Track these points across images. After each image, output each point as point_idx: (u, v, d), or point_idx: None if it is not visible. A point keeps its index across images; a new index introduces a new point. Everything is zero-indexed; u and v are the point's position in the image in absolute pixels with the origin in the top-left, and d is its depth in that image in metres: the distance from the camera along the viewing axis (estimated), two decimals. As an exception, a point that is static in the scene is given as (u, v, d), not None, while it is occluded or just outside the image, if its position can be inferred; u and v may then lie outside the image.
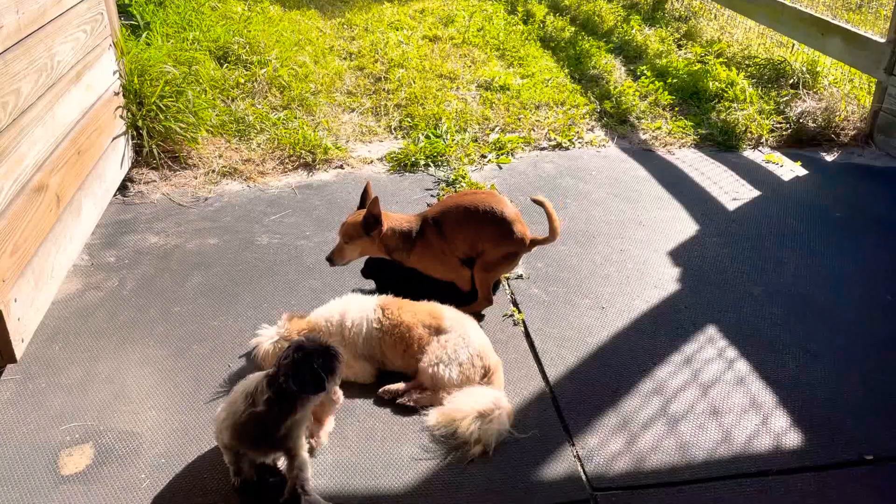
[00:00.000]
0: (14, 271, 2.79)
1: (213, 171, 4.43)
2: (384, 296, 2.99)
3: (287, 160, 4.58)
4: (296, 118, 5.02)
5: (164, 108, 4.37)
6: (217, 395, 2.74)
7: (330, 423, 2.57)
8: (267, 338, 2.84)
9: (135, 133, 4.32)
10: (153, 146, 4.35)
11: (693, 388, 2.85)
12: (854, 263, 3.68)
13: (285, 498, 2.29)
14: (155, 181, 4.33)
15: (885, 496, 2.39)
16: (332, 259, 3.19)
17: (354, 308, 2.89)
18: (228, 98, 5.12)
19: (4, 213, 2.73)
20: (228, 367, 2.89)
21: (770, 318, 3.24)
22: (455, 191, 4.27)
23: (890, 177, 4.64)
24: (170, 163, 4.44)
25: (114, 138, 4.01)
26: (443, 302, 3.01)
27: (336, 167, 4.60)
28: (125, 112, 4.21)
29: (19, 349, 2.82)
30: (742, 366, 2.96)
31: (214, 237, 3.80)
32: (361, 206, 3.25)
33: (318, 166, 4.57)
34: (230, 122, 4.85)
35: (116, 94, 4.07)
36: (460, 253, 3.24)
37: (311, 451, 2.45)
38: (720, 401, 2.79)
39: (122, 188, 4.20)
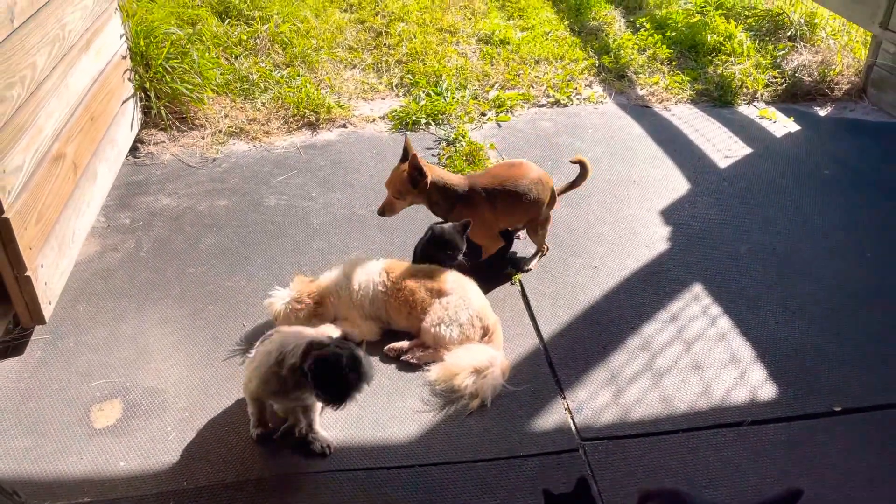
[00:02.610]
0: (39, 239, 2.96)
1: (220, 132, 4.54)
2: (390, 259, 3.17)
3: (291, 119, 4.69)
4: (299, 76, 5.09)
5: (170, 70, 4.46)
6: (233, 353, 2.94)
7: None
8: (279, 299, 3.02)
9: (142, 95, 4.42)
10: (161, 107, 4.46)
11: (677, 343, 3.05)
12: (838, 221, 3.83)
13: (288, 428, 2.55)
14: (164, 142, 4.45)
15: (848, 445, 2.61)
16: (383, 212, 3.32)
17: (361, 272, 3.07)
18: (232, 56, 5.18)
19: (28, 185, 2.88)
20: (243, 326, 3.08)
21: (754, 276, 3.42)
22: (455, 150, 4.38)
23: (880, 132, 4.75)
24: (177, 123, 4.56)
25: (123, 101, 4.12)
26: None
27: (339, 126, 4.71)
28: (133, 75, 4.30)
29: (47, 311, 3.01)
30: (724, 322, 3.16)
31: (224, 198, 3.95)
32: (403, 159, 3.28)
33: (321, 125, 4.68)
34: (235, 80, 4.94)
35: (124, 57, 4.16)
36: (506, 225, 3.41)
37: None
38: (702, 356, 2.99)
39: (133, 149, 4.33)
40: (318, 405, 2.54)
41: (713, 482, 2.46)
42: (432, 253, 3.15)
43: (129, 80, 4.25)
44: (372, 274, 3.06)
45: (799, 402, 2.77)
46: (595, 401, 2.79)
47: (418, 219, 3.81)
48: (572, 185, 3.58)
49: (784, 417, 2.71)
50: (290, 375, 2.33)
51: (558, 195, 3.52)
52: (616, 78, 5.37)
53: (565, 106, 5.05)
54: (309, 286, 3.03)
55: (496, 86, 5.18)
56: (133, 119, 4.28)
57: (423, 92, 5.00)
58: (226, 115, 4.67)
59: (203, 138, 4.51)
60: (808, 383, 2.85)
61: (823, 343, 3.05)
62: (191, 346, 3.00)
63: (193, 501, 2.37)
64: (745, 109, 5.03)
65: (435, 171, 3.26)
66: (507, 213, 3.32)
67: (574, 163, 3.55)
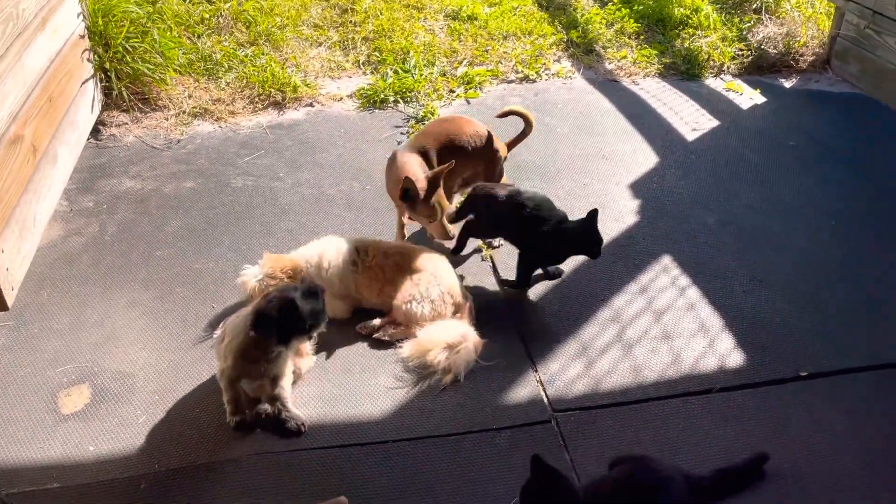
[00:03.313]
0: (-1, 223, 2.89)
1: (184, 112, 4.46)
2: (360, 237, 3.14)
3: (257, 99, 4.62)
4: (263, 54, 5.01)
5: (130, 50, 4.36)
6: (204, 336, 2.91)
7: (310, 360, 2.77)
8: (252, 276, 2.99)
9: (103, 76, 4.31)
10: (122, 88, 4.36)
11: (647, 314, 3.08)
12: (803, 191, 3.89)
13: (263, 409, 2.53)
14: (127, 124, 4.36)
15: (814, 408, 2.67)
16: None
17: (333, 249, 3.04)
18: (194, 35, 5.08)
19: (-16, 168, 2.81)
20: (213, 308, 3.05)
21: (721, 247, 3.46)
22: (424, 127, 4.35)
23: (843, 103, 4.81)
24: (140, 105, 4.46)
25: (83, 82, 4.02)
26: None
27: (306, 105, 4.65)
28: (92, 55, 4.19)
29: (10, 297, 2.95)
30: (693, 293, 3.19)
31: (190, 180, 3.89)
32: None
33: (288, 105, 4.61)
34: (198, 60, 4.84)
35: (82, 36, 4.05)
36: (452, 183, 3.38)
37: (294, 382, 2.66)
38: (671, 326, 3.03)
39: (95, 131, 4.24)
40: (289, 381, 2.53)
41: (683, 449, 2.51)
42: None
43: (89, 60, 4.15)
44: (343, 251, 3.04)
45: (766, 368, 2.82)
46: (566, 373, 2.81)
47: (387, 197, 3.79)
48: (520, 137, 3.62)
49: (751, 384, 2.76)
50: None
51: (508, 149, 3.56)
52: (584, 53, 5.37)
53: (534, 82, 5.04)
54: (282, 261, 2.99)
55: (464, 62, 5.15)
56: (93, 100, 4.18)
57: (391, 69, 4.95)
58: (189, 96, 4.58)
59: (167, 119, 4.42)
60: (775, 350, 2.90)
61: (789, 311, 3.10)
62: (159, 329, 2.96)
63: (166, 483, 2.35)
64: (712, 82, 5.06)
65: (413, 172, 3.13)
66: (454, 169, 3.22)
67: (501, 116, 3.65)
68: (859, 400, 2.70)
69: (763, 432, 2.57)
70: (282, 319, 2.34)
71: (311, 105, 4.65)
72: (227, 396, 2.52)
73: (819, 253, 3.45)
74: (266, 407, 2.54)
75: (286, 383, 2.56)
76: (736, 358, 2.88)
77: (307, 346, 2.74)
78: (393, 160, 3.23)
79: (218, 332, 2.60)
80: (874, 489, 2.38)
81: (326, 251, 3.04)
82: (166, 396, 2.66)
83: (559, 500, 2.06)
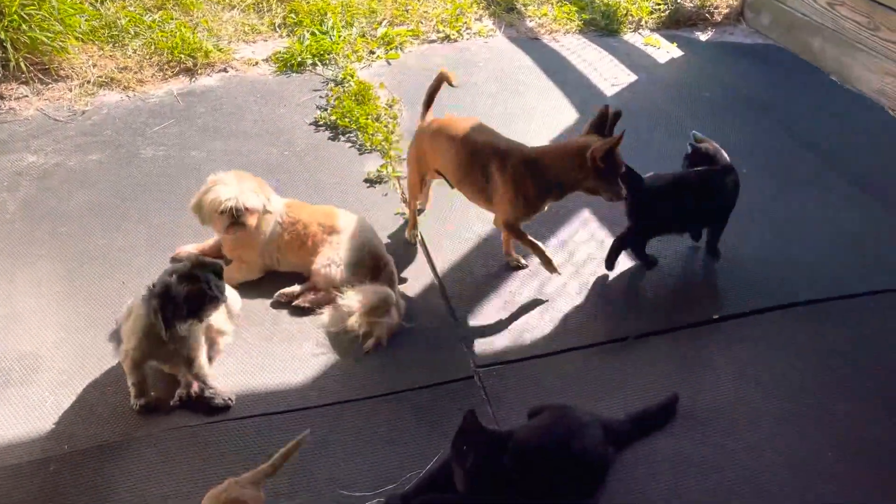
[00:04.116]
0: None
1: (89, 82, 4.25)
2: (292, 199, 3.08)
3: (167, 66, 4.43)
4: (172, 19, 4.79)
5: (27, 18, 4.11)
6: (114, 313, 2.80)
7: (229, 336, 2.70)
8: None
9: (-3, 46, 4.07)
10: (20, 59, 4.12)
11: (568, 268, 3.11)
12: (717, 140, 3.93)
13: (182, 393, 2.45)
14: (27, 96, 4.13)
15: (723, 347, 2.77)
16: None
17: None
18: (97, 1, 4.82)
19: None
20: (122, 283, 2.94)
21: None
22: (343, 90, 4.25)
23: (756, 54, 4.91)
24: (40, 76, 4.23)
25: (-27, 53, 3.78)
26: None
27: (220, 71, 4.49)
28: (-18, 23, 3.94)
29: None
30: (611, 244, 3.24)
31: (96, 152, 3.71)
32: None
33: (200, 71, 4.44)
34: (101, 27, 4.60)
35: (-31, 4, 3.80)
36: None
37: (211, 360, 2.59)
38: (591, 278, 3.07)
39: (-9, 106, 4.01)
40: (204, 357, 2.46)
41: (601, 395, 2.56)
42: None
43: (-21, 29, 3.90)
44: (277, 210, 2.97)
45: (680, 313, 2.90)
46: (489, 329, 2.83)
47: (307, 161, 3.72)
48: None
49: (667, 329, 2.83)
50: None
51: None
52: (505, 11, 5.32)
53: (455, 41, 4.97)
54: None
55: (384, 22, 5.04)
56: (-13, 72, 3.94)
57: (308, 31, 4.81)
58: (94, 65, 4.36)
59: (70, 90, 4.20)
60: (688, 295, 2.98)
61: (703, 257, 3.18)
62: (67, 307, 2.84)
63: (76, 464, 2.27)
64: (630, 37, 5.09)
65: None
66: None
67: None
68: (768, 339, 2.80)
69: (678, 375, 2.64)
70: (160, 305, 2.26)
71: (224, 70, 4.49)
72: (131, 379, 2.42)
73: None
74: (184, 391, 2.46)
75: (204, 360, 2.48)
76: (652, 305, 2.95)
77: (224, 322, 2.66)
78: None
79: (123, 309, 2.50)
80: (780, 422, 2.48)
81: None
82: (75, 376, 2.56)
83: (489, 450, 2.07)
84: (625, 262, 3.14)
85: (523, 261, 3.12)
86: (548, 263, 2.92)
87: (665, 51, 4.91)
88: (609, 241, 3.24)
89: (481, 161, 2.85)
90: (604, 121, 2.76)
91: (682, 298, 2.97)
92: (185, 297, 2.25)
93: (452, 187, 3.08)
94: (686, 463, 2.34)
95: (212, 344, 2.61)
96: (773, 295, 2.98)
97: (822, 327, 2.85)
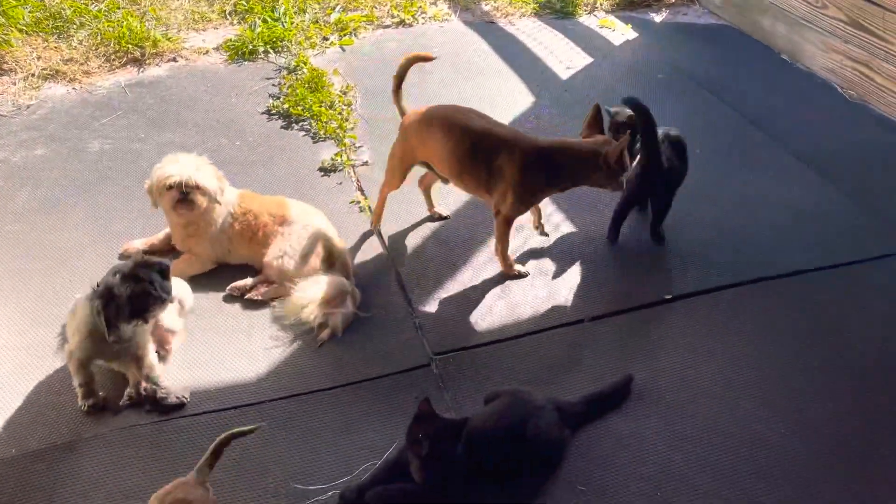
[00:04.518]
0: None
1: (33, 75, 4.13)
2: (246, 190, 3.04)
3: (113, 57, 4.33)
4: (119, 8, 4.68)
5: (-37, 9, 3.98)
6: (62, 312, 2.73)
7: (182, 335, 2.65)
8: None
9: (-68, 39, 3.93)
10: (-42, 52, 3.99)
11: (523, 252, 3.12)
12: (670, 121, 3.94)
13: (131, 393, 2.40)
14: (-33, 91, 4.00)
15: (676, 326, 2.81)
16: None
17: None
18: (39, -10, 4.68)
19: None
20: (70, 281, 2.87)
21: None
22: (296, 78, 4.19)
23: (709, 34, 4.96)
24: (-19, 69, 4.10)
25: None
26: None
27: (169, 60, 4.40)
28: (-85, 16, 3.81)
29: None
30: (567, 227, 3.25)
31: (41, 147, 3.62)
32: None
33: (148, 61, 4.34)
34: (45, 18, 4.48)
35: None
36: None
37: (163, 359, 2.55)
38: (546, 262, 3.08)
39: (-70, 101, 3.88)
40: (153, 356, 2.42)
41: (557, 378, 2.57)
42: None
43: (-88, 21, 3.76)
44: (230, 201, 2.93)
45: (633, 295, 2.92)
46: (445, 316, 2.82)
47: (260, 151, 3.67)
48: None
49: (620, 310, 2.85)
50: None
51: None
52: (460, -6, 5.29)
53: (411, 26, 4.93)
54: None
55: (337, 8, 4.97)
56: (-76, 66, 3.81)
57: (259, 18, 4.73)
58: (38, 57, 4.24)
59: (14, 84, 4.08)
60: (640, 276, 3.01)
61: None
62: (13, 307, 2.77)
63: (24, 467, 2.22)
64: (586, 20, 5.11)
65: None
66: None
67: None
68: (720, 317, 2.84)
69: (632, 355, 2.67)
70: (103, 306, 2.21)
71: (174, 60, 4.40)
72: (77, 380, 2.36)
73: (684, 181, 3.55)
74: (132, 391, 2.41)
75: (153, 359, 2.43)
76: (606, 287, 2.97)
77: (175, 321, 2.61)
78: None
79: (70, 307, 2.44)
80: (733, 399, 2.52)
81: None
82: (23, 378, 2.50)
83: (444, 437, 2.07)
84: (577, 247, 3.15)
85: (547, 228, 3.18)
86: (508, 266, 2.97)
87: (620, 32, 4.92)
88: (565, 225, 3.26)
89: (485, 152, 2.77)
90: (598, 116, 2.84)
91: (635, 280, 3.00)
92: (128, 297, 2.20)
93: (446, 182, 3.03)
94: (642, 442, 2.36)
95: (162, 343, 2.56)
96: (724, 273, 3.02)
97: (773, 304, 2.90)
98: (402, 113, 3.01)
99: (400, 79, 3.00)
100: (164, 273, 2.30)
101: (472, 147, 2.78)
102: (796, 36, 4.61)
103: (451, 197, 3.39)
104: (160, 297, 2.26)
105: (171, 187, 2.75)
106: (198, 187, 2.77)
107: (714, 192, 3.48)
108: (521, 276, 2.99)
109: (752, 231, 3.26)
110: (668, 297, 2.91)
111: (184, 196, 2.76)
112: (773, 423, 2.44)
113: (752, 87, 4.38)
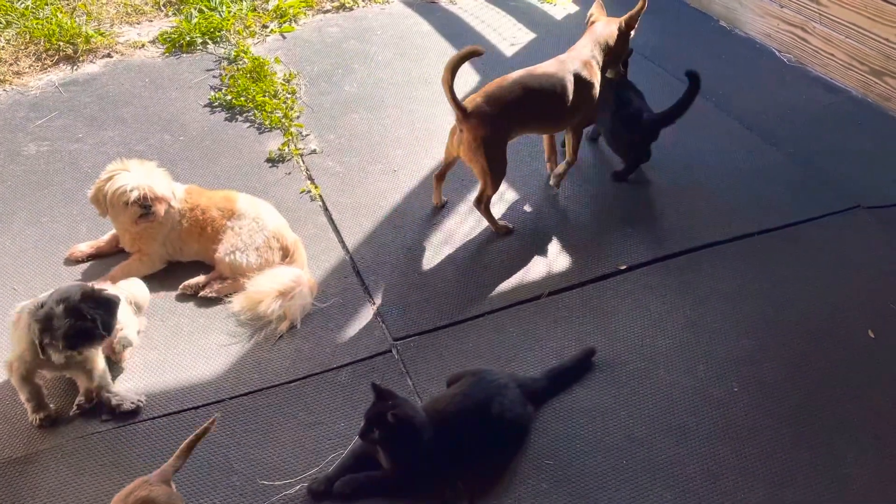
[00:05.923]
0: None
1: (-41, 78, 3.96)
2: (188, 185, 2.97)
3: (45, 55, 4.16)
4: (47, 4, 4.51)
5: None
6: (6, 321, 2.65)
7: (135, 339, 2.58)
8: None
9: None
10: None
11: (478, 234, 3.12)
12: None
13: (81, 401, 2.35)
14: None
15: (631, 295, 2.85)
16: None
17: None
18: (-41, -11, 4.47)
19: None
20: (14, 290, 2.78)
21: (538, 156, 3.52)
22: (237, 68, 4.11)
23: (649, 5, 4.96)
24: None
25: None
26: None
27: (104, 56, 4.25)
28: None
29: None
30: (518, 205, 3.27)
31: (-26, 154, 3.48)
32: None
33: (82, 58, 4.19)
34: (-33, 17, 4.28)
35: None
36: None
37: (119, 362, 2.49)
38: (501, 242, 3.09)
39: None
40: (102, 364, 2.35)
41: (518, 355, 2.59)
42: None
43: None
44: (177, 197, 2.86)
45: (588, 268, 2.96)
46: (404, 301, 2.82)
47: (205, 145, 3.58)
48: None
49: (577, 284, 2.89)
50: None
51: None
52: (400, -25, 5.22)
53: (351, 9, 4.86)
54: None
55: (275, -5, 4.87)
56: None
57: (195, 9, 4.60)
58: (-37, 59, 4.06)
59: (-61, 88, 3.91)
60: (595, 249, 3.04)
61: (605, 209, 3.25)
62: (-46, 321, 2.67)
63: (-22, 486, 2.16)
64: (527, -4, 5.10)
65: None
66: None
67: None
68: (672, 284, 2.90)
69: (590, 327, 2.70)
70: (39, 331, 2.15)
71: (109, 56, 4.26)
72: (22, 395, 2.29)
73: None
74: (83, 398, 2.35)
75: (102, 367, 2.36)
76: (562, 262, 2.99)
77: (130, 333, 2.52)
78: None
79: (13, 315, 2.35)
80: (689, 363, 2.58)
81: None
82: (-31, 393, 2.42)
83: (400, 421, 2.07)
84: (532, 222, 3.17)
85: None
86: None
87: (562, 7, 4.93)
88: (521, 206, 3.28)
89: (565, 89, 3.02)
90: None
91: (589, 252, 3.03)
92: (64, 332, 2.13)
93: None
94: (605, 414, 2.40)
95: (114, 349, 2.49)
96: (675, 242, 3.07)
97: (723, 268, 2.97)
98: (460, 107, 2.94)
99: (453, 74, 2.96)
100: (112, 309, 2.24)
101: (562, 91, 3.01)
102: (733, 2, 4.68)
103: (401, 180, 3.37)
104: (99, 336, 2.20)
105: (131, 203, 2.68)
106: (156, 198, 2.71)
107: (662, 160, 3.52)
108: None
109: (699, 198, 3.33)
110: (623, 267, 2.95)
111: (146, 210, 2.70)
112: (729, 385, 2.50)
113: (692, 54, 4.43)
